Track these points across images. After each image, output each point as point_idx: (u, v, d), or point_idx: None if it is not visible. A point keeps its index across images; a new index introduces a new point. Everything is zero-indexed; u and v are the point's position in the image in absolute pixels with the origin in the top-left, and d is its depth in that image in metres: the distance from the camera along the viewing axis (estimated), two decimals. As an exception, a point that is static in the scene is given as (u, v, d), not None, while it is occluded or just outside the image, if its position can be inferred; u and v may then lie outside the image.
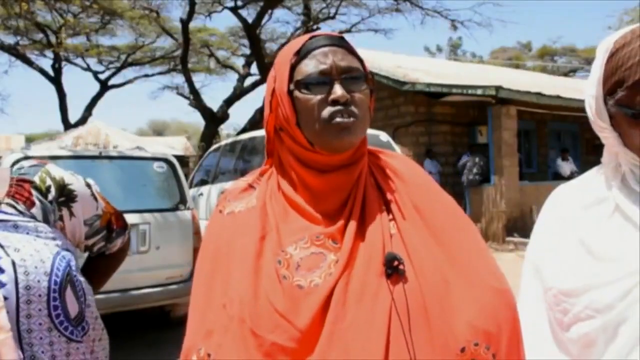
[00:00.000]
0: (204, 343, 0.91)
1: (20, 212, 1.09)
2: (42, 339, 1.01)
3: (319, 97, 0.93)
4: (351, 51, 0.97)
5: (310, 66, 0.94)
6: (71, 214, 1.18)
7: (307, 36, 0.99)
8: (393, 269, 0.88)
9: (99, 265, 1.34)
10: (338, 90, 0.92)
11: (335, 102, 0.92)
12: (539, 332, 1.07)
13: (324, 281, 0.88)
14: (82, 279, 1.12)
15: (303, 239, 0.93)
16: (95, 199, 1.25)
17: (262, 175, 1.05)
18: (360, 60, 0.98)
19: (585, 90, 1.04)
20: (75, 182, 1.21)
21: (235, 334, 0.88)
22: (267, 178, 1.03)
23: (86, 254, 1.33)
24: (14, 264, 0.99)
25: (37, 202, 1.12)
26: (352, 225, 0.93)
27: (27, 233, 1.06)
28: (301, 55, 0.96)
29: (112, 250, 1.36)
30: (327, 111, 0.92)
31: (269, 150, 1.05)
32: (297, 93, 0.94)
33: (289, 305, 0.87)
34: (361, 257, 0.90)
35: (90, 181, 1.27)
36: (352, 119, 0.92)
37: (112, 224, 1.31)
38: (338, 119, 0.91)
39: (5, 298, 0.96)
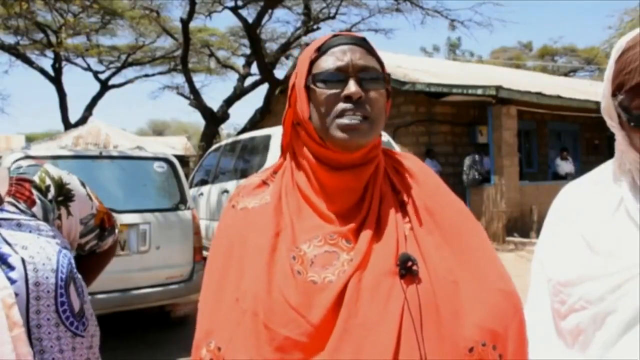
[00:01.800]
0: (215, 336, 0.92)
1: (22, 211, 1.10)
2: (50, 334, 1.02)
3: (332, 92, 0.93)
4: (371, 52, 0.98)
5: (328, 62, 0.95)
6: (69, 213, 1.20)
7: (330, 34, 1.00)
8: (407, 270, 0.89)
9: (89, 263, 1.35)
10: (352, 87, 0.92)
11: (348, 99, 0.92)
12: (544, 326, 1.08)
13: (338, 278, 0.89)
14: (79, 276, 1.14)
15: (317, 237, 0.93)
16: (90, 198, 1.27)
17: (276, 173, 1.05)
18: (380, 62, 0.98)
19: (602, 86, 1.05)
20: (72, 181, 1.22)
21: (247, 328, 0.88)
22: (281, 175, 1.03)
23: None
24: (23, 261, 1.00)
25: (38, 201, 1.13)
26: (369, 225, 0.93)
27: (30, 231, 1.07)
28: (321, 51, 0.97)
29: (102, 249, 1.37)
30: (339, 107, 0.92)
31: (285, 144, 1.06)
32: (313, 87, 0.95)
33: (302, 300, 0.87)
34: (375, 256, 0.91)
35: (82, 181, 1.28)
36: (362, 120, 0.92)
37: (105, 223, 1.32)
38: (346, 120, 0.92)
39: (16, 294, 0.97)
